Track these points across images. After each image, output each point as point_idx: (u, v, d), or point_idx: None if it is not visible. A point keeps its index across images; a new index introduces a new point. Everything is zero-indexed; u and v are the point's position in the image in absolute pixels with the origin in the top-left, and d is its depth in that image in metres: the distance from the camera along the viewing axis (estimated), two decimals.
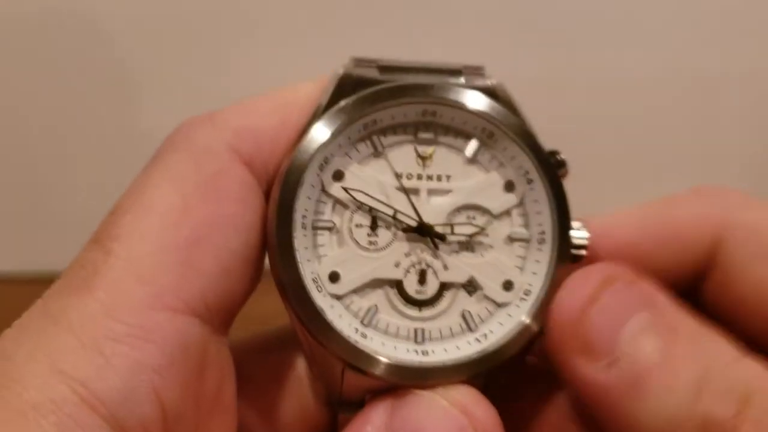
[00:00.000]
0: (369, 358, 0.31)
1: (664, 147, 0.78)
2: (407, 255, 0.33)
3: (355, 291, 0.33)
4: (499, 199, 0.34)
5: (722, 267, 0.33)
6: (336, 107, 0.32)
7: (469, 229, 0.33)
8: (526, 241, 0.33)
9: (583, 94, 0.76)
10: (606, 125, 0.77)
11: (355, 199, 0.33)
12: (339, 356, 0.31)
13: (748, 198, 0.34)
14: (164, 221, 0.28)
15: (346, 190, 0.33)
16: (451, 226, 0.33)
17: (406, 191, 0.33)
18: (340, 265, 0.32)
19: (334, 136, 0.32)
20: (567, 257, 0.33)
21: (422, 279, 0.33)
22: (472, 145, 0.34)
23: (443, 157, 0.33)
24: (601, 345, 0.29)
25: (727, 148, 0.78)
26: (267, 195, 0.32)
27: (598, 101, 0.76)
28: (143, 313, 0.26)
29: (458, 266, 0.33)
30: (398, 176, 0.33)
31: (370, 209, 0.33)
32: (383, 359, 0.31)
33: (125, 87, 0.73)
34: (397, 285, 0.33)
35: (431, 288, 0.33)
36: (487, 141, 0.34)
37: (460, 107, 0.33)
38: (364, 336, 0.32)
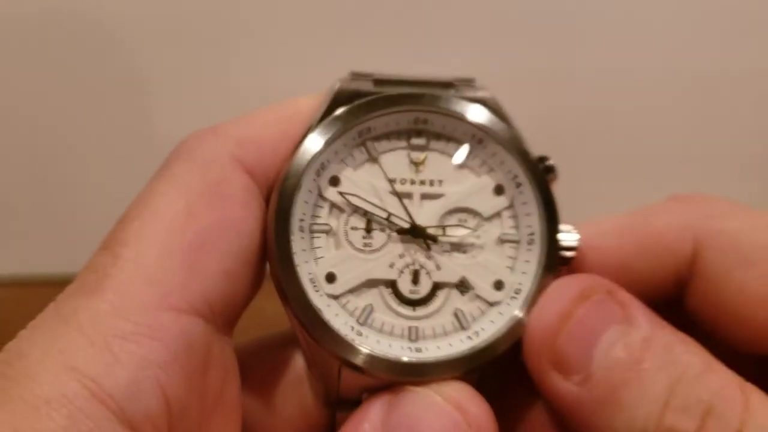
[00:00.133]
0: (364, 356, 0.32)
1: (666, 147, 0.78)
2: (401, 256, 0.34)
3: (351, 291, 0.34)
4: (489, 202, 0.35)
5: (703, 275, 0.33)
6: (332, 116, 0.34)
7: (461, 231, 0.35)
8: (516, 242, 0.35)
9: (585, 94, 0.76)
10: (607, 125, 0.77)
11: (350, 203, 0.34)
12: (336, 354, 0.32)
13: (727, 205, 0.35)
14: (170, 227, 0.29)
15: (342, 194, 0.34)
16: (443, 228, 0.35)
17: (399, 195, 0.34)
18: (336, 266, 0.34)
19: (330, 143, 0.34)
20: (556, 258, 0.34)
21: (416, 279, 0.34)
22: (462, 151, 0.35)
23: (435, 163, 0.35)
24: (575, 361, 0.30)
25: (727, 149, 0.78)
26: (268, 201, 0.34)
27: (599, 102, 0.76)
28: (150, 313, 0.28)
29: (450, 267, 0.34)
30: (392, 181, 0.34)
31: (365, 212, 0.34)
32: (378, 357, 0.32)
33: (138, 94, 0.75)
34: (392, 285, 0.34)
35: (424, 288, 0.34)
36: (477, 147, 0.35)
37: (451, 115, 0.34)
38: (359, 334, 0.33)
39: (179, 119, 0.74)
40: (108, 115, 0.75)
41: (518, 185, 0.35)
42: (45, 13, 0.72)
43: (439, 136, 0.35)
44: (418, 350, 0.33)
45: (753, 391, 0.29)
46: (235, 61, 0.74)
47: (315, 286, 0.34)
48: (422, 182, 0.35)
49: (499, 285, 0.34)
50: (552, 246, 0.34)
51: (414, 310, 0.34)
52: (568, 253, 0.34)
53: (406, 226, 0.34)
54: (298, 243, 0.33)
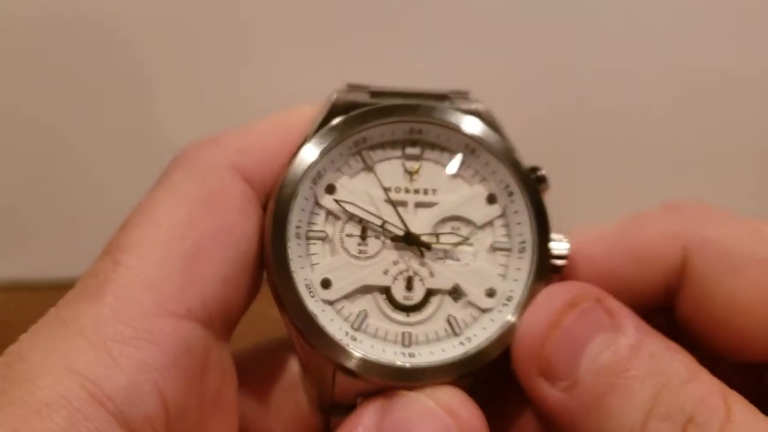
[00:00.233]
0: (358, 361, 0.33)
1: (666, 148, 0.78)
2: (395, 263, 0.35)
3: (346, 297, 0.35)
4: (482, 211, 0.36)
5: (692, 283, 0.34)
6: (328, 126, 0.35)
7: (454, 239, 0.35)
8: (508, 250, 0.36)
9: (584, 95, 0.76)
10: (606, 126, 0.77)
11: (346, 210, 0.35)
12: (330, 359, 0.33)
13: (717, 213, 0.35)
14: (170, 234, 0.30)
15: (337, 202, 0.35)
16: (437, 235, 0.35)
17: (394, 203, 0.35)
18: (331, 273, 0.35)
19: (326, 152, 0.34)
20: (546, 266, 0.35)
21: (409, 286, 0.35)
22: (456, 161, 0.36)
23: (429, 172, 0.36)
24: (561, 368, 0.31)
25: (728, 149, 0.78)
26: (265, 208, 0.34)
27: (599, 103, 0.77)
28: (149, 318, 0.28)
29: (444, 274, 0.35)
30: (386, 189, 0.35)
31: (361, 220, 0.35)
32: (372, 361, 0.33)
33: (140, 98, 0.75)
34: (386, 291, 0.35)
35: (418, 294, 0.35)
36: (470, 157, 0.36)
37: (445, 125, 0.35)
38: (354, 339, 0.34)
39: (181, 124, 0.74)
40: (110, 119, 0.75)
41: (510, 194, 0.36)
42: (47, 15, 0.72)
43: (433, 146, 0.36)
44: (412, 355, 0.34)
45: (736, 401, 0.29)
46: (237, 66, 0.74)
47: (311, 291, 0.34)
48: (416, 191, 0.36)
49: (491, 292, 0.35)
50: (543, 254, 0.35)
51: (408, 316, 0.35)
52: (559, 262, 0.35)
53: (401, 233, 0.35)
54: (294, 249, 0.34)
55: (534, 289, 0.34)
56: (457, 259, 0.35)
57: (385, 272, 0.35)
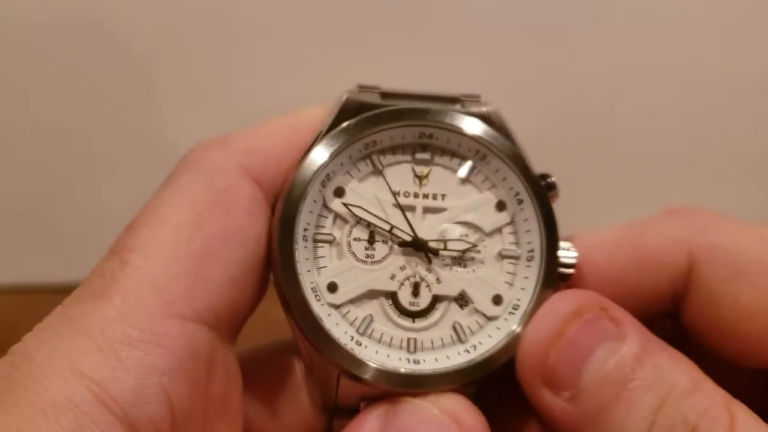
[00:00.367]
0: (363, 366, 0.33)
1: (669, 149, 0.78)
2: (402, 268, 0.35)
3: (352, 301, 0.35)
4: (491, 218, 0.35)
5: (698, 289, 0.34)
6: (338, 128, 0.34)
7: (462, 246, 0.35)
8: (516, 258, 0.35)
9: (588, 98, 0.76)
10: (611, 129, 0.77)
11: (354, 214, 0.35)
12: (334, 363, 0.33)
13: (722, 218, 0.35)
14: (177, 235, 0.30)
15: (346, 205, 0.35)
16: (445, 242, 0.35)
17: (402, 208, 0.35)
18: (338, 276, 0.34)
19: (336, 155, 0.34)
20: (554, 275, 0.34)
21: (416, 291, 0.35)
22: (466, 167, 0.36)
23: (439, 177, 0.35)
24: (565, 378, 0.31)
25: (732, 149, 0.78)
26: (274, 210, 0.34)
27: (601, 103, 0.77)
28: (156, 320, 0.28)
29: (450, 280, 0.35)
30: (395, 194, 0.35)
31: (369, 224, 0.35)
32: (377, 367, 0.33)
33: (144, 101, 0.75)
34: (392, 296, 0.35)
35: (424, 300, 0.35)
36: (480, 162, 0.35)
37: (455, 130, 0.35)
38: (359, 344, 0.34)
39: (182, 124, 0.74)
40: (111, 120, 0.75)
41: (520, 202, 0.35)
42: (47, 15, 0.71)
43: (443, 151, 0.35)
44: (417, 362, 0.34)
45: (740, 411, 0.29)
46: (239, 66, 0.74)
47: (316, 295, 0.34)
48: (425, 196, 0.35)
49: (497, 300, 0.35)
50: (551, 263, 0.34)
51: (413, 321, 0.35)
52: (568, 271, 0.34)
53: (408, 238, 0.35)
54: (301, 252, 0.34)
55: (541, 298, 0.34)
56: (465, 266, 0.35)
57: (392, 277, 0.35)
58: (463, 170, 0.36)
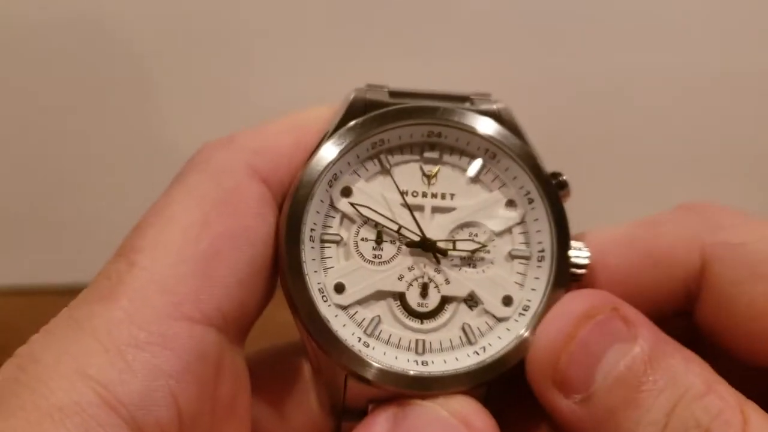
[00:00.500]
0: (371, 367, 0.32)
1: (672, 147, 0.78)
2: (410, 269, 0.34)
3: (360, 302, 0.34)
4: (500, 218, 0.35)
5: (711, 288, 0.33)
6: (346, 127, 0.34)
7: (471, 246, 0.35)
8: (527, 258, 0.35)
9: (593, 98, 0.76)
10: (616, 128, 0.77)
11: (361, 214, 0.34)
12: (342, 364, 0.32)
13: (735, 215, 0.34)
14: (185, 235, 0.29)
15: (353, 205, 0.34)
16: (454, 242, 0.35)
17: (410, 208, 0.34)
18: (345, 277, 0.34)
19: (343, 153, 0.34)
20: (565, 276, 0.34)
21: (424, 292, 0.34)
22: (475, 165, 0.35)
23: (448, 176, 0.35)
24: (577, 381, 0.30)
25: (732, 149, 0.78)
26: (281, 209, 0.34)
27: (602, 102, 0.77)
28: (163, 322, 0.28)
29: (459, 281, 0.35)
30: (403, 193, 0.35)
31: (376, 224, 0.34)
32: (385, 368, 0.32)
33: (146, 101, 0.74)
34: (400, 297, 0.34)
35: (433, 301, 0.34)
36: (490, 161, 0.35)
37: (465, 129, 0.34)
38: (366, 345, 0.33)
39: (183, 125, 0.74)
40: (111, 120, 0.75)
41: (530, 201, 0.35)
42: (47, 15, 0.71)
43: (452, 150, 0.35)
44: (425, 363, 0.33)
45: (753, 412, 0.29)
46: (239, 66, 0.73)
47: (324, 296, 0.34)
48: (434, 195, 0.35)
49: (507, 301, 0.35)
50: (562, 264, 0.34)
51: (422, 323, 0.34)
52: (579, 271, 0.34)
53: (417, 239, 0.34)
54: (308, 252, 0.33)
55: (552, 299, 0.34)
56: (474, 266, 0.35)
57: (400, 278, 0.34)
58: (473, 169, 0.35)
